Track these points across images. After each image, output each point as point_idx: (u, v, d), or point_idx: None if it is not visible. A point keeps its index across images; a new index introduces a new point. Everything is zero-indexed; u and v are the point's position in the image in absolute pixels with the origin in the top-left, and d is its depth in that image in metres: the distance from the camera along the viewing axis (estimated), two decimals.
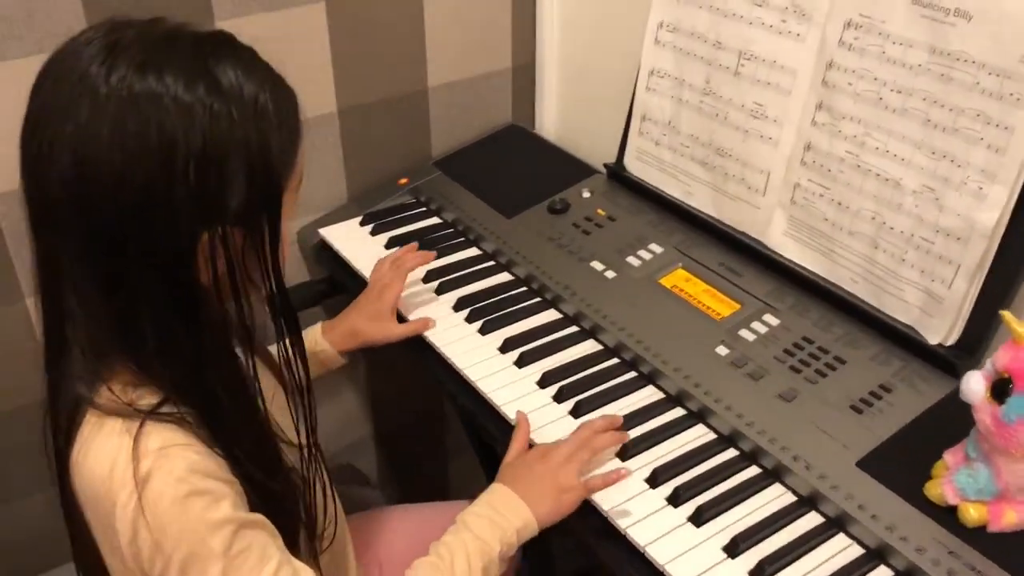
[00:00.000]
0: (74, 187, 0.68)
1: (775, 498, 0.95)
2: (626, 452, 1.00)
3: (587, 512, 0.94)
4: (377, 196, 1.50)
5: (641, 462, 0.99)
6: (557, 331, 1.19)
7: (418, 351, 1.19)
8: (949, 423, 0.91)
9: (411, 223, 1.43)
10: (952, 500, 0.86)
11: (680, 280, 1.21)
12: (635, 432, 1.03)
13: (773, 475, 0.97)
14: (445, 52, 1.51)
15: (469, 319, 1.22)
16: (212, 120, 0.68)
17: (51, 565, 1.28)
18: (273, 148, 0.73)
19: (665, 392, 1.08)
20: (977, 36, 0.93)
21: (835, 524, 0.91)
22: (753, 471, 0.98)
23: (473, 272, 1.31)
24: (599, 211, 1.36)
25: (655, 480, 0.97)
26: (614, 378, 1.11)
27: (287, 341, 0.82)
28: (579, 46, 1.55)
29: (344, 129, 1.45)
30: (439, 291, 1.27)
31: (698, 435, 1.03)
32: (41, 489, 1.31)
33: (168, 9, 1.21)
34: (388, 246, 1.38)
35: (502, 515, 0.89)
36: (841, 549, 0.89)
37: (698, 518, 0.92)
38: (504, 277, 1.30)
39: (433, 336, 1.19)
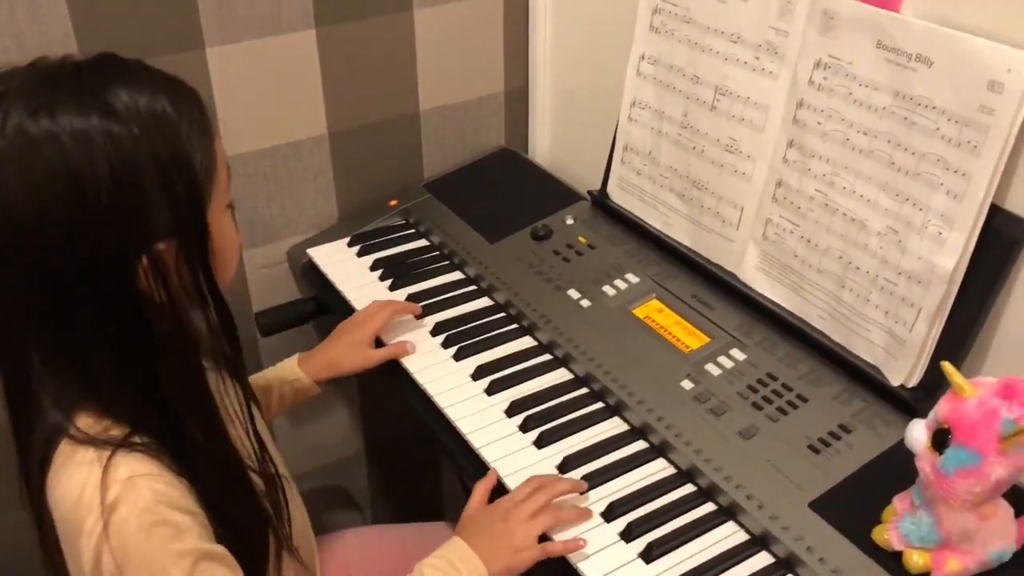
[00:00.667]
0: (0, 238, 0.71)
1: (727, 536, 0.96)
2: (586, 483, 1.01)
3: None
4: (367, 217, 1.52)
5: (600, 495, 1.00)
6: (529, 359, 1.21)
7: (393, 374, 1.21)
8: (903, 467, 0.91)
9: (397, 245, 1.46)
10: (897, 546, 0.87)
11: (653, 311, 1.22)
12: (597, 464, 1.04)
13: (727, 513, 0.98)
14: (437, 76, 1.53)
15: (445, 344, 1.24)
16: (114, 144, 0.70)
17: None
18: (184, 152, 0.74)
19: (629, 424, 1.10)
20: (938, 83, 0.94)
21: (784, 565, 0.92)
22: (708, 508, 0.99)
23: (454, 297, 1.33)
24: (580, 238, 1.37)
25: (611, 514, 0.98)
26: (580, 408, 1.12)
27: (230, 369, 0.84)
28: (571, 70, 1.56)
29: (335, 151, 1.48)
30: (418, 315, 1.29)
31: (658, 469, 1.04)
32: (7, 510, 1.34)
33: (157, 38, 1.26)
34: (373, 268, 1.40)
35: (457, 570, 0.91)
36: None
37: (648, 554, 0.93)
38: (483, 302, 1.32)
39: (408, 361, 1.21)
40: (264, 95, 1.38)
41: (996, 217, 0.94)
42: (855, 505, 0.93)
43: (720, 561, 0.92)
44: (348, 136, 1.48)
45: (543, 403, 1.13)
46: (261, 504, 0.88)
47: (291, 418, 1.64)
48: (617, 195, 1.40)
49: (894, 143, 1.00)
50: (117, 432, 0.76)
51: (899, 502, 0.89)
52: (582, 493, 0.99)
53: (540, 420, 1.10)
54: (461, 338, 1.24)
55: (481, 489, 1.01)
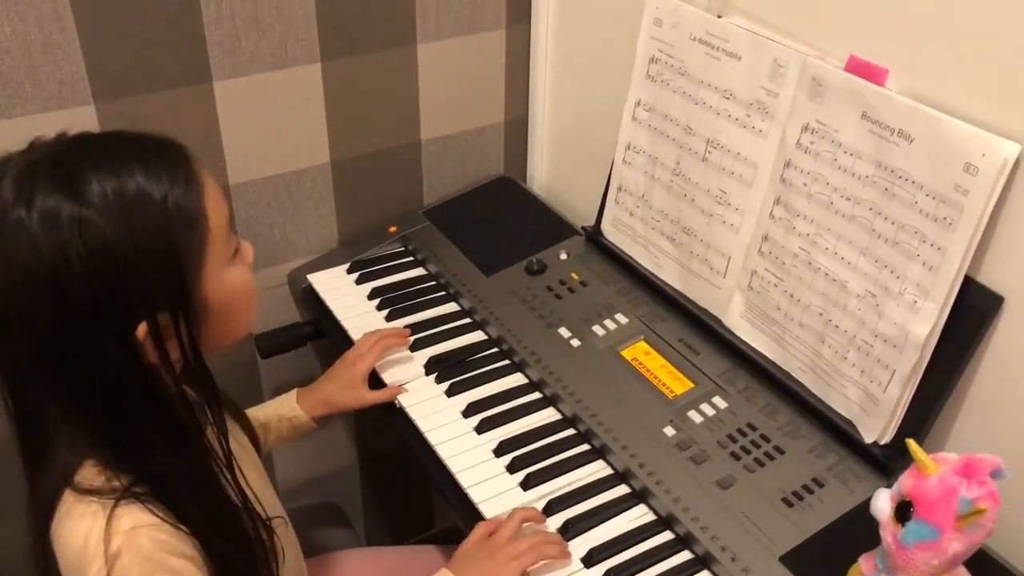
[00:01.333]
0: None
1: None
2: (567, 530, 1.05)
3: None
4: (367, 242, 1.56)
5: (580, 540, 1.05)
6: (519, 397, 1.25)
7: (387, 408, 1.25)
8: (871, 525, 0.95)
9: (395, 273, 1.50)
10: None
11: (640, 353, 1.26)
12: (579, 508, 1.09)
13: (702, 562, 1.02)
14: (438, 107, 1.56)
15: (438, 379, 1.28)
16: (85, 232, 0.72)
17: None
18: (159, 228, 0.75)
19: (613, 468, 1.14)
20: (917, 158, 0.97)
21: None
22: (684, 556, 1.03)
23: (448, 330, 1.37)
24: (573, 275, 1.41)
25: (591, 560, 1.02)
26: (567, 450, 1.16)
27: (212, 417, 0.87)
28: (570, 102, 1.60)
29: (336, 179, 1.52)
30: (413, 347, 1.33)
31: (638, 515, 1.08)
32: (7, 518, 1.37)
33: (167, 72, 1.29)
34: (371, 297, 1.44)
35: None
36: None
37: None
38: (477, 336, 1.36)
39: (402, 396, 1.25)
40: (269, 126, 1.41)
41: (969, 289, 0.98)
42: (823, 561, 0.98)
43: None
44: (350, 164, 1.52)
45: (530, 443, 1.17)
46: (255, 549, 0.92)
47: None
48: (610, 233, 1.43)
49: (875, 211, 1.03)
50: (119, 483, 0.80)
51: (864, 563, 0.94)
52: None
53: (527, 461, 1.14)
54: (453, 373, 1.28)
55: (483, 529, 1.04)
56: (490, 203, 1.63)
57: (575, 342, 1.29)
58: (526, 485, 1.11)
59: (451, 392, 1.25)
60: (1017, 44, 0.90)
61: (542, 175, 1.70)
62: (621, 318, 1.32)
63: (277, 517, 0.99)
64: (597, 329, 1.31)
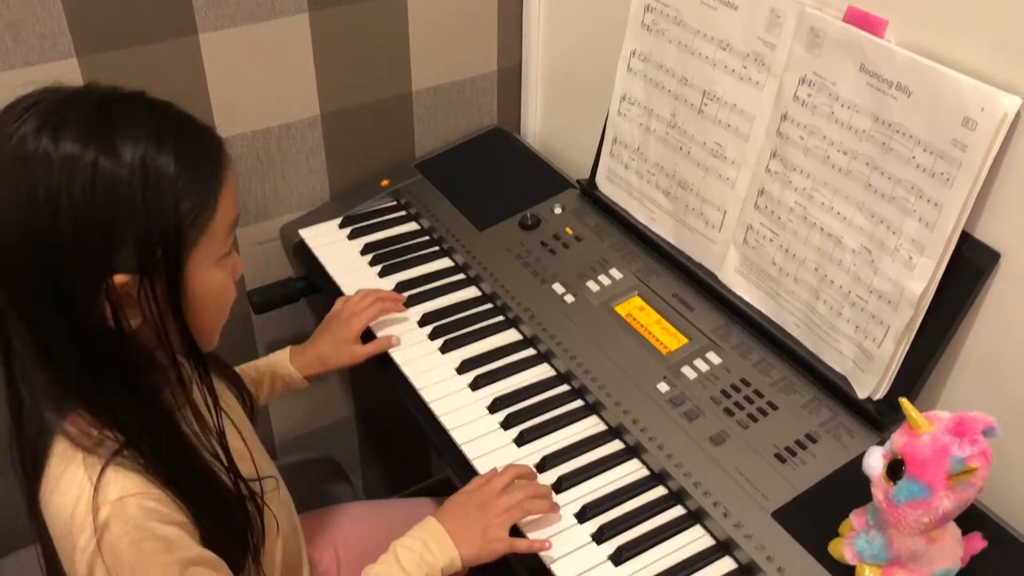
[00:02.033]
0: None
1: (694, 540, 1.01)
2: (561, 485, 1.06)
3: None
4: (359, 196, 1.55)
5: (574, 495, 1.05)
6: (513, 353, 1.25)
7: (382, 365, 1.25)
8: (863, 480, 0.96)
9: (388, 228, 1.48)
10: (851, 561, 0.92)
11: (635, 309, 1.26)
12: (573, 464, 1.09)
13: (695, 517, 1.03)
14: (430, 56, 1.53)
15: (432, 336, 1.27)
16: (96, 178, 0.73)
17: (12, 548, 1.34)
18: (165, 207, 0.76)
19: (607, 424, 1.14)
20: (915, 113, 0.96)
21: (745, 572, 0.97)
22: (678, 511, 1.04)
23: (441, 286, 1.36)
24: (567, 230, 1.40)
25: (584, 515, 1.03)
26: (560, 407, 1.17)
27: (200, 389, 0.87)
28: (564, 51, 1.57)
29: (327, 132, 1.50)
30: (408, 304, 1.33)
31: (631, 471, 1.09)
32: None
33: (151, 24, 1.27)
34: (363, 252, 1.43)
35: (431, 552, 0.96)
36: None
37: (618, 557, 0.98)
38: (470, 292, 1.35)
39: (396, 353, 1.25)
40: (257, 78, 1.38)
41: (965, 245, 0.97)
42: (815, 517, 0.98)
43: (686, 566, 0.98)
44: (340, 117, 1.49)
45: (524, 400, 1.17)
46: (240, 507, 0.92)
47: None
48: (605, 186, 1.42)
49: (872, 166, 1.02)
50: (108, 443, 0.80)
51: (855, 518, 0.94)
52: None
53: (521, 418, 1.14)
54: (447, 330, 1.27)
55: (477, 483, 1.04)
56: (483, 155, 1.61)
57: (569, 298, 1.29)
58: (520, 441, 1.12)
59: (445, 349, 1.25)
60: None
61: (536, 126, 1.67)
62: (615, 273, 1.31)
63: (269, 477, 0.99)
64: (591, 284, 1.30)
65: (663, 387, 1.14)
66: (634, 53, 1.30)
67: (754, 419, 1.09)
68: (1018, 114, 0.89)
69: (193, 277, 0.80)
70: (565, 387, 1.19)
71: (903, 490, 0.84)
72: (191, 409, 0.86)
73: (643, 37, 1.28)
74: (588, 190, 1.44)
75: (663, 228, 1.33)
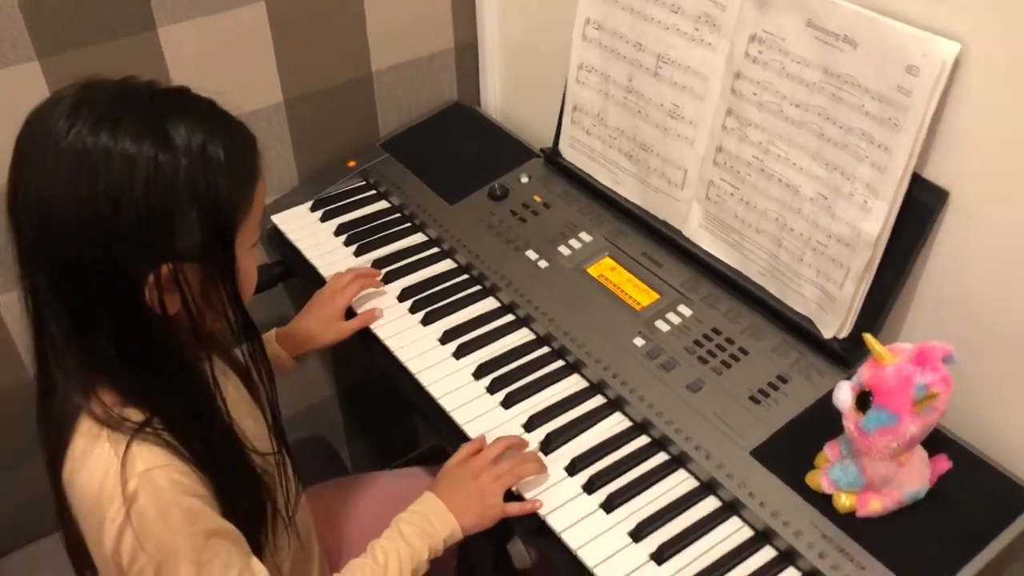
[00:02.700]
0: (39, 228, 0.79)
1: (679, 483, 1.06)
2: (549, 443, 1.11)
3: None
4: (327, 179, 1.57)
5: (562, 451, 1.10)
6: (492, 320, 1.29)
7: (367, 341, 1.29)
8: (835, 415, 1.01)
9: (358, 208, 1.51)
10: (828, 490, 0.98)
11: (606, 269, 1.30)
12: (559, 421, 1.14)
13: (678, 462, 1.08)
14: (387, 37, 1.55)
15: (412, 309, 1.31)
16: (156, 171, 0.77)
17: (37, 536, 1.39)
18: (221, 194, 0.81)
19: (588, 381, 1.19)
20: (862, 63, 1.01)
21: (729, 509, 1.03)
22: (661, 457, 1.09)
23: (417, 260, 1.40)
24: (536, 197, 1.43)
25: (573, 468, 1.08)
26: (542, 368, 1.21)
27: (254, 361, 0.94)
28: (520, 24, 1.59)
29: (291, 118, 1.51)
30: (385, 280, 1.36)
31: (615, 423, 1.14)
32: (26, 461, 1.41)
33: (109, 21, 1.27)
34: (337, 233, 1.46)
35: (432, 525, 1.01)
36: (734, 531, 1.01)
37: (609, 505, 1.04)
38: (446, 265, 1.39)
39: (379, 328, 1.28)
40: (218, 69, 1.40)
41: (916, 186, 1.02)
42: (791, 452, 1.04)
43: (673, 507, 1.03)
44: (303, 102, 1.51)
45: (507, 364, 1.21)
46: (260, 482, 0.96)
47: None
48: (569, 153, 1.46)
49: (824, 116, 1.07)
50: (133, 418, 0.84)
51: (829, 450, 1.00)
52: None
53: (506, 381, 1.19)
54: (427, 303, 1.31)
55: (466, 450, 1.10)
56: (446, 131, 1.64)
57: (542, 263, 1.33)
58: (507, 404, 1.16)
59: (426, 321, 1.29)
60: None
61: (496, 99, 1.70)
62: (585, 236, 1.35)
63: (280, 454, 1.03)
64: (563, 249, 1.34)
65: (639, 341, 1.19)
66: (588, 21, 1.34)
67: (727, 365, 1.15)
68: (957, 59, 0.94)
69: (237, 259, 0.85)
70: (546, 349, 1.24)
71: (872, 419, 0.90)
72: (219, 389, 0.90)
73: (596, 5, 1.31)
74: (552, 158, 1.48)
75: (628, 190, 1.38)
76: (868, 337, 0.91)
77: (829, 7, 1.03)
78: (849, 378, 0.96)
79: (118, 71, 1.28)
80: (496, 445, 1.08)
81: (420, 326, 1.29)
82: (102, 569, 0.91)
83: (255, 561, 0.90)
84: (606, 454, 1.10)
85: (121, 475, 0.81)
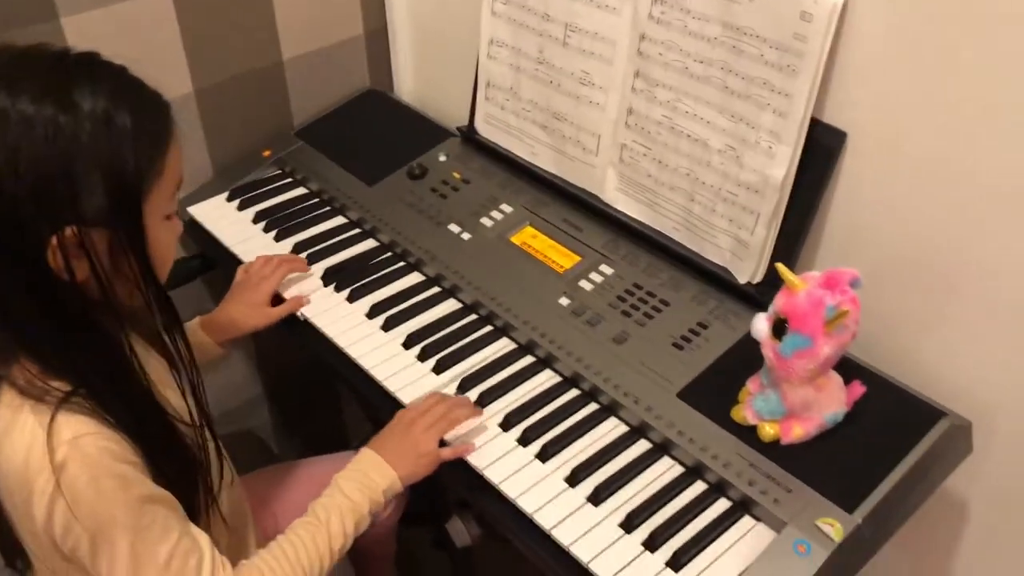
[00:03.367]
0: None
1: (611, 430, 1.09)
2: (483, 401, 1.12)
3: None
4: (242, 170, 1.56)
5: (496, 408, 1.12)
6: (419, 293, 1.30)
7: (294, 324, 1.28)
8: (754, 353, 1.06)
9: (277, 195, 1.51)
10: (752, 421, 1.02)
11: (528, 237, 1.33)
12: (491, 381, 1.16)
13: (609, 410, 1.11)
14: (296, 24, 1.55)
15: (337, 288, 1.31)
16: (56, 132, 0.77)
17: None
18: (126, 159, 0.80)
19: (517, 343, 1.21)
20: (759, 14, 1.06)
21: (660, 449, 1.06)
22: (592, 407, 1.12)
23: (339, 242, 1.40)
24: (455, 174, 1.45)
25: (508, 424, 1.10)
26: (472, 333, 1.23)
27: (173, 341, 0.92)
28: (429, 9, 1.62)
29: (202, 108, 1.50)
30: (309, 261, 1.36)
31: (545, 380, 1.16)
32: None
33: (11, 8, 1.25)
34: (256, 221, 1.45)
35: (370, 478, 1.01)
36: (666, 470, 1.04)
37: (544, 454, 1.06)
38: (369, 244, 1.40)
39: (306, 309, 1.28)
40: (125, 59, 1.34)
41: (816, 129, 1.08)
42: (715, 391, 1.08)
43: (606, 452, 1.06)
44: (215, 91, 1.50)
45: (437, 332, 1.23)
46: (190, 452, 0.95)
47: None
48: (484, 130, 1.48)
49: (726, 69, 1.12)
50: (56, 389, 0.82)
51: (751, 384, 1.04)
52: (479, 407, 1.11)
53: (436, 348, 1.20)
54: (351, 280, 1.31)
55: (401, 415, 1.10)
56: (361, 117, 1.64)
57: (465, 235, 1.35)
58: (438, 369, 1.17)
59: (352, 298, 1.29)
60: None
61: (408, 83, 1.72)
62: (506, 207, 1.38)
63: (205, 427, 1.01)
64: (485, 221, 1.36)
65: (564, 301, 1.22)
66: None
67: (650, 317, 1.18)
68: (846, 4, 1.00)
69: (146, 228, 0.84)
70: (473, 316, 1.26)
71: (788, 343, 0.94)
72: (136, 358, 0.89)
73: None
74: (469, 135, 1.50)
75: (544, 160, 1.41)
76: (780, 266, 0.95)
77: None
78: None
79: None
80: (430, 399, 1.09)
81: (346, 303, 1.29)
82: (33, 548, 0.88)
83: (193, 527, 0.89)
84: (539, 408, 1.12)
85: (48, 444, 0.80)
